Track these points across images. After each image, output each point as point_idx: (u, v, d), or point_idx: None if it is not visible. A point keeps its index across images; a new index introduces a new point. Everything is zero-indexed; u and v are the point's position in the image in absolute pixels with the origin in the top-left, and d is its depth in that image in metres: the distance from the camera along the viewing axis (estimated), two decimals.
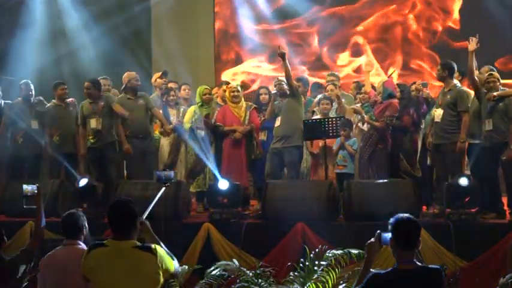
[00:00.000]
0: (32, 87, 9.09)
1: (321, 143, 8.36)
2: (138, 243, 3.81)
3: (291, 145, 8.20)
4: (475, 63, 7.60)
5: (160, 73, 9.34)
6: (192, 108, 8.77)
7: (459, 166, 7.81)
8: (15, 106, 9.03)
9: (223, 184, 7.64)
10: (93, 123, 8.51)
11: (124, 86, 8.79)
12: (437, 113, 7.81)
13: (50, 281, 4.45)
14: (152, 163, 8.74)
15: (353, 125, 8.59)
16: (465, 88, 8.06)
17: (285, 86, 8.31)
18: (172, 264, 3.87)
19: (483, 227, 7.15)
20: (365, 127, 8.25)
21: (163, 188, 5.23)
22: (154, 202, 4.23)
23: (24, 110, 8.99)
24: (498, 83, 7.50)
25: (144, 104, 8.61)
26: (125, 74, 8.84)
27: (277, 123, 8.30)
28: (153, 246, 3.81)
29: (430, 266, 3.77)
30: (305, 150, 8.76)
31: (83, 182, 7.98)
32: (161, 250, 3.83)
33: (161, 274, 3.79)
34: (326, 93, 8.91)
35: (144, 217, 4.06)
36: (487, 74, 7.59)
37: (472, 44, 7.49)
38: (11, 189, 8.21)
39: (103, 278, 3.81)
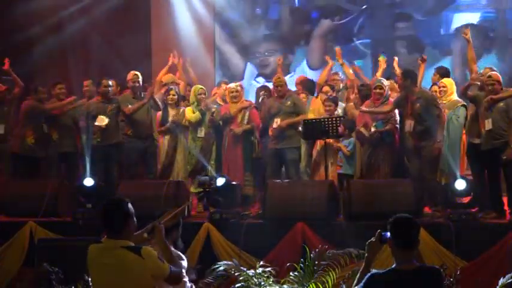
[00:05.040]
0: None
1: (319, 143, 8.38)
2: (130, 244, 3.80)
3: (292, 146, 8.33)
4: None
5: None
6: (189, 109, 8.75)
7: (435, 167, 7.82)
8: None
9: (219, 181, 7.65)
10: (101, 121, 8.52)
11: (131, 85, 8.77)
12: (408, 123, 7.81)
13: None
14: (153, 163, 8.74)
15: (355, 126, 8.52)
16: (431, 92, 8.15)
17: (286, 87, 8.36)
18: (166, 269, 3.81)
19: (483, 227, 7.14)
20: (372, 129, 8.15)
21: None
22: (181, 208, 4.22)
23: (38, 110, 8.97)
24: (498, 85, 7.43)
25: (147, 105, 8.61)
26: (130, 74, 8.81)
27: (275, 124, 8.32)
28: (143, 248, 3.79)
29: (429, 266, 3.76)
30: (304, 150, 8.78)
31: (89, 181, 7.95)
32: (152, 254, 3.79)
33: (151, 278, 3.77)
34: (323, 94, 8.90)
35: (162, 221, 4.06)
36: (486, 76, 7.55)
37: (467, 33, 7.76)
38: (11, 189, 8.20)
39: (94, 274, 3.88)
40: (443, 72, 8.74)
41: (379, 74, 9.10)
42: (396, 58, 9.52)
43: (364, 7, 12.28)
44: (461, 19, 11.81)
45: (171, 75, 9.55)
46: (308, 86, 9.48)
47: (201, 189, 6.47)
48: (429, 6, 12.05)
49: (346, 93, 9.18)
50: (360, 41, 12.29)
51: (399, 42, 12.02)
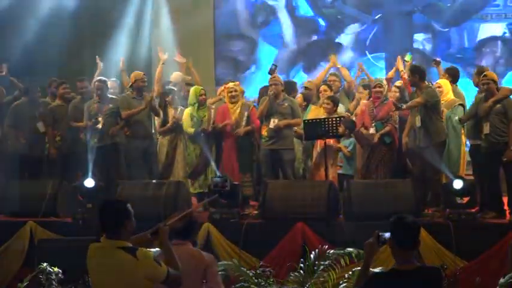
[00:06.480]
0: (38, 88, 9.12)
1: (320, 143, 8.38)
2: (127, 244, 3.80)
3: (288, 147, 8.33)
4: None
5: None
6: (188, 110, 8.73)
7: (438, 167, 7.76)
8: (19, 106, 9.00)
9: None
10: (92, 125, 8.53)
11: (130, 84, 8.79)
12: (417, 117, 7.75)
13: None
14: (153, 163, 8.74)
15: (355, 126, 8.51)
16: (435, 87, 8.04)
17: (281, 87, 8.37)
18: (162, 272, 3.77)
19: (483, 227, 7.15)
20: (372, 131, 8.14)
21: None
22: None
23: (30, 110, 8.96)
24: (493, 84, 7.38)
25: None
26: (132, 74, 8.83)
27: (273, 124, 8.32)
28: (139, 249, 3.78)
29: (429, 266, 3.77)
30: (300, 150, 8.80)
31: (89, 182, 7.94)
32: (148, 256, 3.78)
33: (144, 279, 3.75)
34: (320, 94, 8.89)
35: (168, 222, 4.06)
36: (481, 76, 7.53)
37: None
38: (11, 189, 8.21)
39: (92, 272, 3.91)
40: (453, 74, 8.65)
41: (391, 73, 9.05)
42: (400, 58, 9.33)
43: (377, 16, 11.47)
44: (488, 30, 10.85)
45: (178, 73, 9.56)
46: (288, 87, 9.08)
47: (215, 190, 6.53)
48: (451, 15, 10.94)
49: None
50: (372, 55, 11.46)
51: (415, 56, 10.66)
